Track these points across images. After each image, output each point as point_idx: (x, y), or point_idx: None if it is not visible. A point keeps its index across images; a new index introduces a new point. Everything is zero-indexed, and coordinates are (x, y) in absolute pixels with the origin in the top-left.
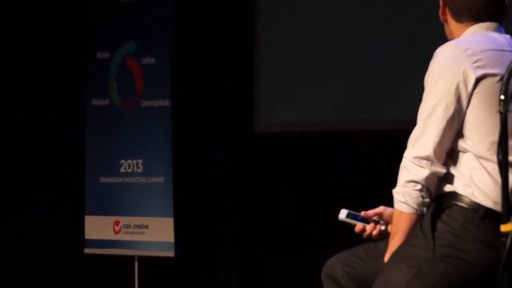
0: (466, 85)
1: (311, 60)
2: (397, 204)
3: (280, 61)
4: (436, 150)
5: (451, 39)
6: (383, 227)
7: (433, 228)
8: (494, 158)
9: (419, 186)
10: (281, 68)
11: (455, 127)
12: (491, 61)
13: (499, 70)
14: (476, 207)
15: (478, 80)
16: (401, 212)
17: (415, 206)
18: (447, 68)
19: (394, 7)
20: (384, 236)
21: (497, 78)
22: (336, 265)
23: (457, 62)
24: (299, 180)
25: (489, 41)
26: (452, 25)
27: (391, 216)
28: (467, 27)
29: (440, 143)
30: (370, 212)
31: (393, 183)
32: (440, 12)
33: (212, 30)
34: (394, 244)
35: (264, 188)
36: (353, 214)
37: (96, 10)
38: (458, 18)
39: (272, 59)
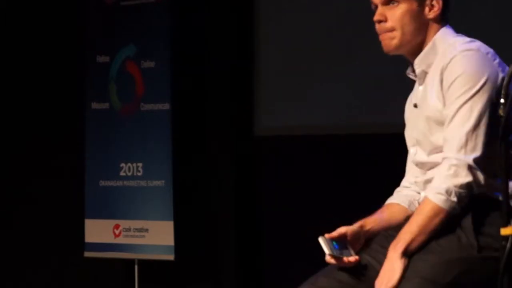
0: (500, 85)
1: (311, 63)
2: (445, 203)
3: (281, 65)
4: (484, 152)
5: (404, 40)
6: (352, 259)
7: (476, 230)
8: None
9: (469, 191)
10: (282, 72)
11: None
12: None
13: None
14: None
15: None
16: (443, 211)
17: (460, 208)
18: (486, 69)
19: None
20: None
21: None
22: None
23: (489, 63)
24: (299, 184)
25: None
26: (425, 23)
27: (355, 234)
28: (438, 28)
29: (487, 144)
30: (335, 233)
31: (396, 187)
32: (435, 9)
33: (212, 34)
34: (417, 240)
35: (264, 191)
36: (331, 242)
37: (96, 13)
38: (442, 16)
39: (272, 62)
